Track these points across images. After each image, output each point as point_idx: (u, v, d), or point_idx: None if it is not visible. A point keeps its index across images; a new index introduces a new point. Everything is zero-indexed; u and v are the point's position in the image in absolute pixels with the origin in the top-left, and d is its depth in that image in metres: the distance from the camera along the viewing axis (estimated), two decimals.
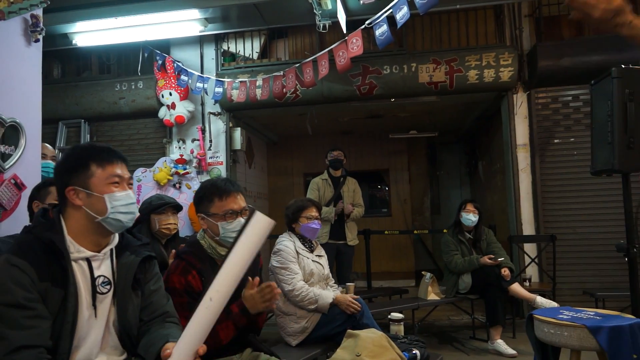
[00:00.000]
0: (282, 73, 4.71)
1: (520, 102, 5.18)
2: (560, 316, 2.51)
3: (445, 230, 4.80)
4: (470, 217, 4.34)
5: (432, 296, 4.35)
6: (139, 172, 5.55)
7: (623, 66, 2.53)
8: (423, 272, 4.58)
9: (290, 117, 6.59)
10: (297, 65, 4.59)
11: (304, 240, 3.08)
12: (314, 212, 3.09)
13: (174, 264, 1.94)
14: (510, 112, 5.21)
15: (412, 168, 8.53)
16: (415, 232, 7.40)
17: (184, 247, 2.07)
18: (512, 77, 5.00)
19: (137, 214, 2.29)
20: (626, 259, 2.64)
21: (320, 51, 4.30)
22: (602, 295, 4.30)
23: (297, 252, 2.99)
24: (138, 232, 1.74)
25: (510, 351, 3.86)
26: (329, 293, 2.95)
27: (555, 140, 5.10)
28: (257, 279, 1.90)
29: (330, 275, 3.22)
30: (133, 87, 5.68)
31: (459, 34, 5.39)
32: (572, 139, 5.03)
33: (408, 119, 7.11)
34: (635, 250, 2.66)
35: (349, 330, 2.38)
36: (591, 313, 2.58)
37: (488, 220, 6.04)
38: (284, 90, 4.73)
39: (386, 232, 6.51)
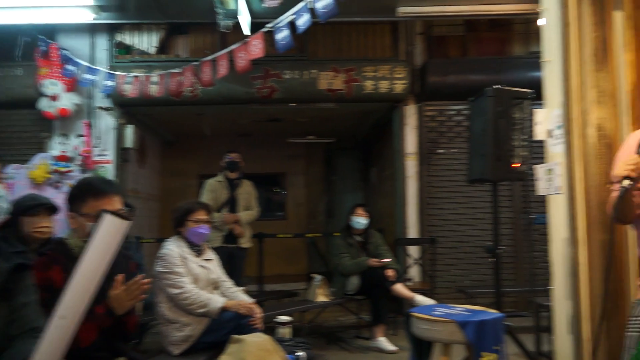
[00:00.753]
0: (180, 70, 4.57)
1: (410, 114, 5.53)
2: (434, 313, 2.72)
3: (336, 234, 4.96)
4: (360, 220, 4.54)
5: (321, 298, 4.46)
6: (10, 169, 5.01)
7: (496, 86, 2.83)
8: (313, 275, 4.69)
9: (188, 117, 6.41)
10: (196, 63, 4.48)
11: (192, 245, 2.98)
12: (202, 216, 2.99)
13: (35, 260, 1.79)
14: (402, 123, 5.54)
15: (309, 172, 8.71)
16: (308, 235, 7.55)
17: (48, 246, 1.92)
18: (404, 89, 5.33)
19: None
20: (492, 259, 2.95)
21: (221, 51, 4.25)
22: (473, 292, 4.72)
23: (183, 256, 2.88)
24: (5, 236, 1.58)
25: (391, 347, 4.09)
26: (219, 297, 2.90)
27: (440, 150, 5.52)
28: (120, 276, 1.80)
29: (224, 278, 3.16)
30: (11, 74, 5.16)
31: (358, 45, 5.63)
32: (454, 150, 5.47)
33: (307, 124, 7.25)
34: (500, 251, 2.98)
35: (234, 336, 2.37)
36: (461, 309, 2.82)
37: (378, 223, 6.33)
38: (181, 88, 4.59)
39: (279, 235, 6.56)
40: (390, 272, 4.33)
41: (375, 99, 5.41)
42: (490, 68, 5.24)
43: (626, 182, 1.54)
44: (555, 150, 2.45)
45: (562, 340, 2.54)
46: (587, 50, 2.06)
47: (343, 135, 8.19)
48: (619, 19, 2.13)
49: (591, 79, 2.10)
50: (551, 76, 2.34)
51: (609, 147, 2.21)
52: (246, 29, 4.34)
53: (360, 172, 8.84)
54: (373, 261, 4.35)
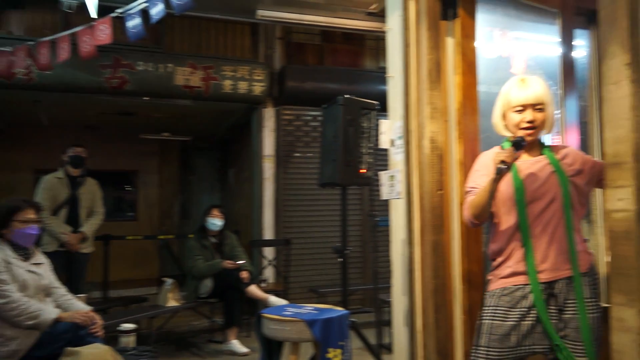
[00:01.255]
0: (11, 49, 4.01)
1: (269, 116, 5.59)
2: (284, 313, 2.78)
3: (191, 235, 4.80)
4: (215, 221, 4.46)
5: (172, 302, 4.28)
6: None
7: (347, 96, 2.99)
8: (164, 279, 4.49)
9: (21, 103, 5.66)
10: (32, 43, 3.98)
11: (18, 248, 2.65)
12: (31, 215, 2.68)
13: None
14: (260, 125, 5.57)
15: (163, 171, 8.30)
16: (160, 237, 7.20)
17: None
18: (263, 92, 5.37)
19: None
20: (340, 259, 3.11)
21: (62, 32, 3.83)
22: (325, 291, 4.93)
23: (7, 261, 2.55)
24: None
25: (243, 349, 4.08)
26: (52, 308, 2.61)
27: (296, 154, 5.66)
28: None
29: (56, 285, 2.85)
30: None
31: (218, 43, 5.53)
32: (309, 154, 5.66)
33: (162, 121, 6.90)
34: (347, 252, 3.15)
35: (68, 349, 2.16)
36: (310, 308, 2.92)
37: (234, 225, 6.29)
38: (13, 69, 4.04)
39: (129, 237, 6.15)
40: (244, 274, 4.32)
41: (233, 99, 5.36)
42: (344, 78, 5.53)
43: (502, 164, 1.72)
44: (397, 158, 2.67)
45: (399, 332, 2.74)
46: (424, 71, 2.29)
47: (200, 134, 7.97)
48: (450, 45, 2.40)
49: (426, 96, 2.32)
50: (394, 91, 2.54)
51: (440, 158, 2.47)
52: (93, 12, 3.97)
53: (218, 173, 8.69)
54: (228, 263, 4.30)
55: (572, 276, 1.79)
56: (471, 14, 2.40)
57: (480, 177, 1.89)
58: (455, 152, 2.49)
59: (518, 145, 1.77)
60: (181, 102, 5.36)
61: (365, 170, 3.05)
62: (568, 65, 2.71)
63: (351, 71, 5.75)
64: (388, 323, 3.35)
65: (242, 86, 5.26)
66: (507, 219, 1.85)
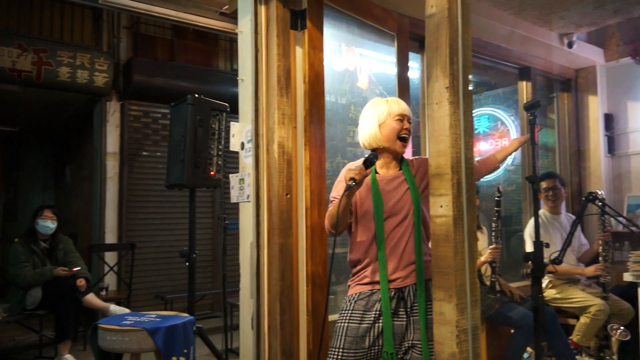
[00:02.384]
0: None
1: (113, 111, 5.18)
2: (124, 322, 2.59)
3: (16, 240, 4.23)
4: (47, 224, 4.00)
5: None
6: None
7: (196, 95, 2.89)
8: None
9: None
10: None
11: None
12: None
13: None
14: (103, 119, 5.13)
15: None
16: None
17: None
18: (106, 84, 4.95)
19: None
20: (187, 264, 3.00)
21: None
22: (171, 297, 4.72)
23: None
24: None
25: None
26: None
27: (144, 153, 5.33)
28: None
29: None
30: None
31: (53, 25, 4.96)
32: (158, 153, 5.38)
33: None
34: (194, 256, 3.05)
35: None
36: (153, 316, 2.77)
37: (71, 227, 5.71)
38: None
39: None
40: (81, 282, 3.95)
41: (71, 89, 4.85)
42: (197, 77, 5.37)
43: (351, 182, 1.79)
44: (247, 162, 2.66)
45: (246, 336, 2.74)
46: (273, 77, 2.32)
47: (31, 125, 7.06)
48: (299, 54, 2.48)
49: (276, 102, 2.36)
50: (244, 94, 2.54)
51: (288, 163, 2.52)
52: None
53: (52, 170, 7.80)
54: (61, 270, 3.88)
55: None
56: (319, 27, 2.50)
57: (342, 189, 1.93)
58: (302, 158, 2.57)
59: (369, 162, 1.87)
60: (6, 87, 4.69)
61: (214, 173, 2.99)
62: (403, 84, 2.97)
63: (204, 70, 5.60)
64: (237, 327, 3.32)
65: (82, 75, 4.79)
66: (366, 232, 1.96)
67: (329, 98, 2.97)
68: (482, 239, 3.37)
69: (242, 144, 2.70)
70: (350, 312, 1.95)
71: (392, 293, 1.93)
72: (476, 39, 3.77)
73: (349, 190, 1.82)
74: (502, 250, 3.12)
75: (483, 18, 3.54)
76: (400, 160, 2.04)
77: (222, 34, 5.06)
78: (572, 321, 3.43)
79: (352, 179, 1.80)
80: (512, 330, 3.13)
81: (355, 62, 3.11)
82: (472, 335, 1.74)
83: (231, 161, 3.40)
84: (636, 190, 4.53)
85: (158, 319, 2.67)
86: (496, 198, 3.10)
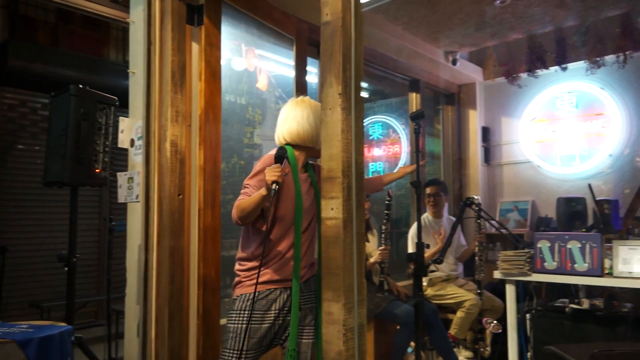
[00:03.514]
0: None
1: None
2: None
3: None
4: None
5: None
6: None
7: (80, 86, 2.69)
8: None
9: None
10: None
11: None
12: None
13: None
14: None
15: None
16: None
17: None
18: None
19: None
20: (66, 269, 2.77)
21: None
22: (48, 305, 4.34)
23: None
24: None
25: None
26: None
27: (20, 146, 4.84)
28: None
29: None
30: None
31: None
32: (37, 147, 4.91)
33: None
34: (75, 260, 2.83)
35: None
36: (24, 326, 2.52)
37: None
38: None
39: None
40: None
41: None
42: (84, 66, 4.99)
43: (274, 185, 1.75)
44: (136, 160, 2.53)
45: (131, 344, 2.61)
46: (167, 72, 2.23)
47: None
48: (195, 51, 2.41)
49: (169, 99, 2.28)
50: (135, 88, 2.41)
51: (181, 162, 2.44)
52: None
53: None
54: None
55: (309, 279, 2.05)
56: (216, 24, 2.45)
57: (260, 181, 1.90)
58: (196, 157, 2.50)
59: (281, 159, 1.87)
60: None
61: (100, 170, 2.80)
62: (301, 87, 3.02)
63: (93, 59, 5.22)
64: (123, 336, 3.15)
65: None
66: (279, 229, 1.95)
67: (227, 97, 2.93)
68: (373, 241, 3.53)
69: (132, 141, 2.57)
70: (247, 312, 1.92)
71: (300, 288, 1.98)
72: (371, 49, 3.95)
73: (273, 194, 1.78)
74: (391, 251, 3.29)
75: (377, 30, 3.72)
76: (306, 163, 2.07)
77: (114, 23, 4.76)
78: (451, 316, 3.71)
79: (275, 182, 1.76)
80: (398, 327, 3.31)
81: (255, 63, 3.10)
82: (358, 333, 1.81)
83: (120, 159, 3.21)
84: (507, 196, 5.03)
85: (30, 330, 2.44)
86: (386, 202, 3.26)
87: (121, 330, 3.51)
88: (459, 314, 3.59)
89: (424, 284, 3.74)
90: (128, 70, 2.51)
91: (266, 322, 1.93)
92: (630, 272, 2.61)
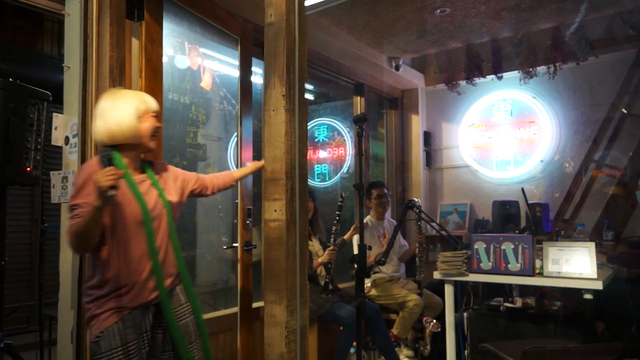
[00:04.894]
0: None
1: None
2: None
3: None
4: None
5: None
6: None
7: (10, 80, 2.54)
8: None
9: None
10: None
11: None
12: None
13: None
14: None
15: None
16: None
17: None
18: None
19: None
20: None
21: None
22: None
23: None
24: None
25: None
26: None
27: None
28: None
29: None
30: None
31: None
32: None
33: None
34: (3, 263, 2.67)
35: None
36: None
37: None
38: None
39: None
40: None
41: None
42: (15, 59, 4.71)
43: (112, 191, 1.55)
44: (71, 158, 2.42)
45: (64, 351, 2.49)
46: (105, 68, 2.15)
47: None
48: (135, 47, 2.34)
49: None
50: (71, 83, 2.30)
51: None
52: None
53: None
54: None
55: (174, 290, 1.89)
56: (158, 20, 2.39)
57: (90, 195, 1.65)
58: None
59: (109, 161, 1.63)
60: None
61: (31, 169, 2.66)
62: (245, 88, 3.00)
63: (25, 52, 4.94)
64: (56, 342, 3.00)
65: None
66: (131, 244, 1.73)
67: (170, 96, 2.86)
68: (317, 242, 3.55)
69: (67, 139, 2.45)
70: (121, 348, 1.69)
71: (153, 310, 1.81)
72: (316, 52, 3.98)
73: (111, 201, 1.57)
74: (337, 253, 3.32)
75: (322, 33, 3.75)
76: (142, 162, 1.90)
77: (48, 14, 4.52)
78: (393, 316, 3.79)
79: (113, 187, 1.56)
80: (341, 328, 3.34)
81: (199, 62, 3.04)
82: (300, 335, 1.81)
83: (53, 157, 3.05)
84: (448, 199, 5.21)
85: None
86: (339, 203, 3.29)
87: (54, 336, 3.33)
88: (402, 314, 3.67)
89: (368, 285, 3.80)
90: (63, 65, 2.40)
91: (144, 347, 1.77)
92: (559, 272, 2.77)
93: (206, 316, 2.87)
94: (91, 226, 1.60)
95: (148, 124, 1.83)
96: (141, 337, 1.76)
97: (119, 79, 2.21)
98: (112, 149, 1.74)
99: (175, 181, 1.98)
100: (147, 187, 1.83)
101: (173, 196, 1.92)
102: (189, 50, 2.96)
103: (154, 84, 2.38)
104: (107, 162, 1.63)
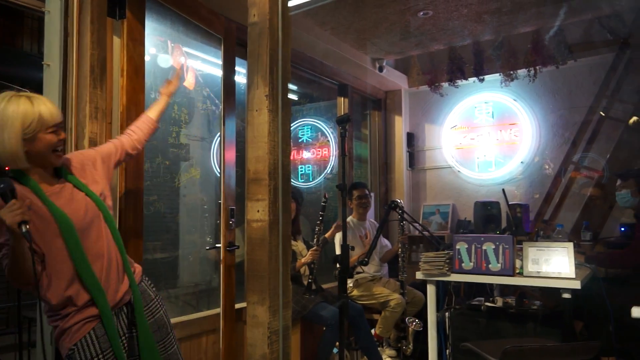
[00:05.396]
0: None
1: None
2: None
3: None
4: None
5: None
6: None
7: None
8: None
9: None
10: None
11: None
12: None
13: None
14: None
15: None
16: None
17: None
18: None
19: None
20: None
21: None
22: None
23: None
24: None
25: None
26: None
27: None
28: None
29: None
30: None
31: None
32: None
33: None
34: None
35: None
36: None
37: None
38: None
39: None
40: None
41: None
42: None
43: (24, 227, 1.41)
44: None
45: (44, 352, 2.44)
46: (86, 66, 2.11)
47: None
48: (117, 45, 2.31)
49: (88, 94, 2.15)
50: (50, 81, 2.26)
51: None
52: None
53: None
54: None
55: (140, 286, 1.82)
56: (140, 19, 2.36)
57: (2, 235, 1.53)
58: None
59: (8, 195, 1.45)
60: None
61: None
62: (229, 88, 2.98)
63: (5, 49, 4.85)
64: (35, 344, 2.95)
65: None
66: (62, 262, 1.59)
67: (152, 95, 2.83)
68: (301, 242, 3.55)
69: None
70: (104, 356, 1.62)
71: (114, 314, 1.70)
72: (300, 52, 3.98)
73: (27, 236, 1.41)
74: (321, 253, 3.33)
75: (306, 34, 3.75)
76: (56, 169, 1.70)
77: (28, 11, 4.43)
78: (376, 316, 3.81)
79: (24, 222, 1.41)
80: (324, 328, 3.35)
81: (182, 61, 3.02)
82: (282, 335, 1.81)
83: None
84: (430, 200, 5.26)
85: None
86: (322, 203, 3.30)
87: (33, 338, 3.27)
88: (384, 313, 3.69)
89: (350, 285, 3.81)
90: (43, 62, 2.35)
91: (124, 350, 1.69)
92: (538, 272, 2.81)
93: (189, 317, 2.86)
94: (18, 266, 1.49)
95: (43, 143, 1.58)
96: (120, 339, 1.69)
97: (100, 78, 2.18)
98: (12, 173, 1.58)
99: (95, 164, 1.82)
100: (69, 194, 1.67)
101: (100, 183, 1.78)
102: (172, 49, 2.93)
103: (135, 83, 2.35)
104: (10, 193, 1.44)
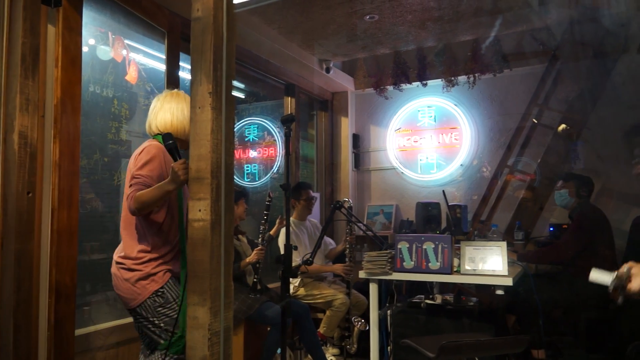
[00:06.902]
0: None
1: None
2: None
3: None
4: None
5: None
6: None
7: None
8: None
9: None
10: None
11: None
12: None
13: None
14: None
15: None
16: None
17: None
18: None
19: None
20: None
21: None
22: None
23: None
24: None
25: None
26: None
27: None
28: None
29: None
30: None
31: None
32: None
33: None
34: None
35: None
36: None
37: None
38: None
39: None
40: None
41: None
42: None
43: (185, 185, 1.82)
44: None
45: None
46: (17, 54, 1.99)
47: None
48: (51, 34, 2.20)
49: (18, 85, 2.03)
50: None
51: (32, 157, 2.19)
52: None
53: None
54: None
55: None
56: (77, 7, 2.26)
57: (155, 170, 1.98)
58: (50, 152, 2.28)
59: (173, 149, 1.94)
60: None
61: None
62: (173, 82, 2.91)
63: None
64: None
65: None
66: (171, 220, 2.06)
67: (90, 88, 2.72)
68: (246, 241, 3.52)
69: None
70: (178, 298, 2.00)
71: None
72: (246, 50, 3.94)
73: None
74: (267, 252, 3.31)
75: (253, 32, 3.72)
76: None
77: None
78: (321, 315, 3.84)
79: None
80: (269, 328, 3.33)
81: (124, 54, 2.91)
82: (224, 337, 1.78)
83: None
84: (375, 200, 5.36)
85: None
86: (267, 203, 3.27)
87: None
88: (328, 312, 3.72)
89: (296, 284, 3.82)
90: None
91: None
92: (474, 270, 2.93)
93: (127, 321, 2.76)
94: (155, 200, 1.92)
95: None
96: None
97: (32, 67, 2.07)
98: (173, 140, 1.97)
99: None
100: None
101: None
102: (113, 41, 2.82)
103: (71, 74, 2.25)
104: (176, 151, 1.92)
